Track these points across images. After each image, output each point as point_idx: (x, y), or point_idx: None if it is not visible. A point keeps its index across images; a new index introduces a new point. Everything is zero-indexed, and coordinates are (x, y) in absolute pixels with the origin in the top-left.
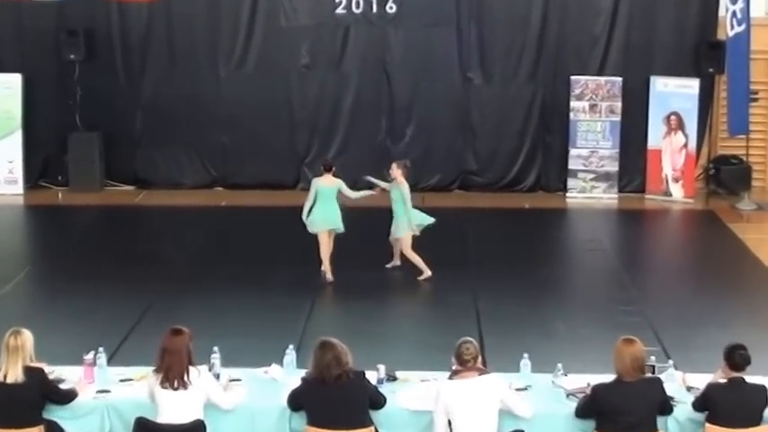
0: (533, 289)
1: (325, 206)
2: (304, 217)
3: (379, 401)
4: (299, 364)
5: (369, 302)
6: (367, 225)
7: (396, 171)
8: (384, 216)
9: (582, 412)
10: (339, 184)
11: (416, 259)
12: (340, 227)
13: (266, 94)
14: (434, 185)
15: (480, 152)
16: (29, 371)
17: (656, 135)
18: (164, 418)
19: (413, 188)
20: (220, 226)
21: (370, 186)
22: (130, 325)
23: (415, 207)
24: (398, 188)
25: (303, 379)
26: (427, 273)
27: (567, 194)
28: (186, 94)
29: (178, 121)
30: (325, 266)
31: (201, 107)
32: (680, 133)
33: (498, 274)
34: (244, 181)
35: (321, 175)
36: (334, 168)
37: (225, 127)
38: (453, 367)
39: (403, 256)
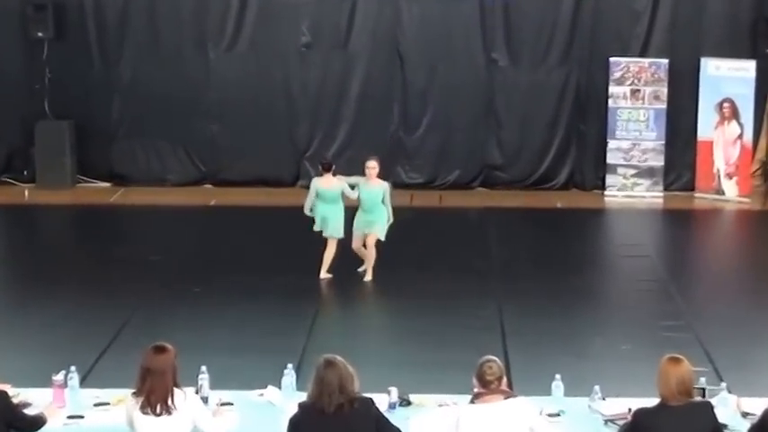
0: (566, 300)
1: (326, 209)
2: (306, 211)
3: None
4: (300, 386)
5: (379, 315)
6: None
7: (375, 169)
8: (392, 212)
9: None
10: (341, 186)
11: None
12: (335, 234)
13: (261, 77)
14: (453, 182)
15: (506, 144)
16: None
17: (706, 125)
18: None
19: (430, 185)
20: (210, 228)
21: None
22: (107, 341)
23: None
24: (379, 186)
25: (300, 405)
26: (368, 266)
27: (606, 193)
28: (170, 77)
29: (161, 108)
30: (323, 266)
31: (188, 93)
32: (734, 123)
33: (526, 283)
34: (236, 177)
35: (321, 175)
36: (333, 167)
37: (214, 115)
38: (475, 389)
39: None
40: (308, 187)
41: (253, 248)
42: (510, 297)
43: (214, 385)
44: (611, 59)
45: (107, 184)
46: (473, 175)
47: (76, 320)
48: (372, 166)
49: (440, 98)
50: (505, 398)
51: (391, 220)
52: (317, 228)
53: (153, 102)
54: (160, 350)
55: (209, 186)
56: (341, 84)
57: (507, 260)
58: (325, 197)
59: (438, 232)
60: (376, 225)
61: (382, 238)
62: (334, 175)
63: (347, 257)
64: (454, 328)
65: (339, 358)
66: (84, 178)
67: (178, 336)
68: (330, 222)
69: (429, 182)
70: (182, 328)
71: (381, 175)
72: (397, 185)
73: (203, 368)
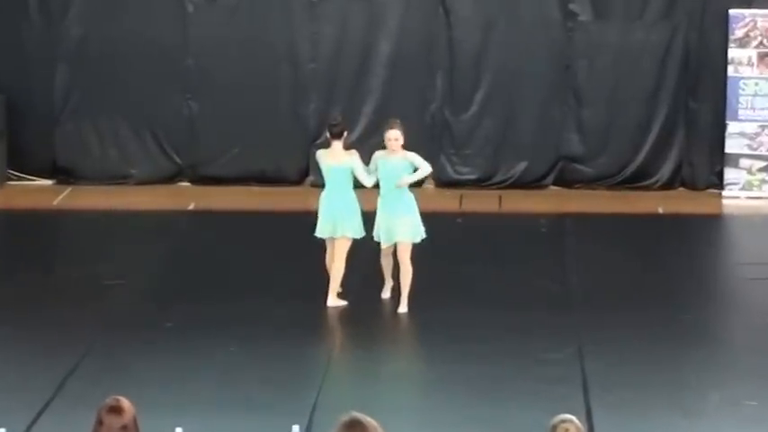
0: (670, 340)
1: (334, 198)
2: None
3: None
4: None
5: (416, 360)
6: None
7: (399, 141)
8: (436, 219)
9: None
10: (352, 162)
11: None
12: (349, 232)
13: (256, 37)
14: (518, 179)
15: (588, 128)
16: None
17: None
18: None
19: (486, 183)
20: (187, 240)
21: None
22: (47, 394)
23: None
24: (403, 158)
25: None
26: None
27: (724, 193)
28: (133, 37)
29: (121, 78)
30: (331, 288)
31: (157, 58)
32: None
33: (616, 316)
34: (222, 172)
35: (328, 145)
36: (346, 133)
37: (193, 88)
38: None
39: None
40: (320, 186)
41: (245, 268)
42: (594, 335)
43: None
44: (732, 12)
45: (48, 182)
46: (544, 169)
47: (7, 367)
48: (395, 137)
49: (499, 65)
50: None
51: (427, 169)
52: (322, 233)
53: (110, 70)
54: (115, 410)
55: (187, 184)
56: (365, 46)
57: (590, 285)
58: (334, 178)
59: (496, 246)
60: (405, 224)
61: (408, 239)
62: (347, 148)
63: (369, 270)
64: (518, 377)
65: (369, 419)
66: (18, 174)
67: (144, 388)
68: (341, 219)
69: (485, 178)
70: (149, 376)
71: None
72: (441, 183)
73: (179, 430)
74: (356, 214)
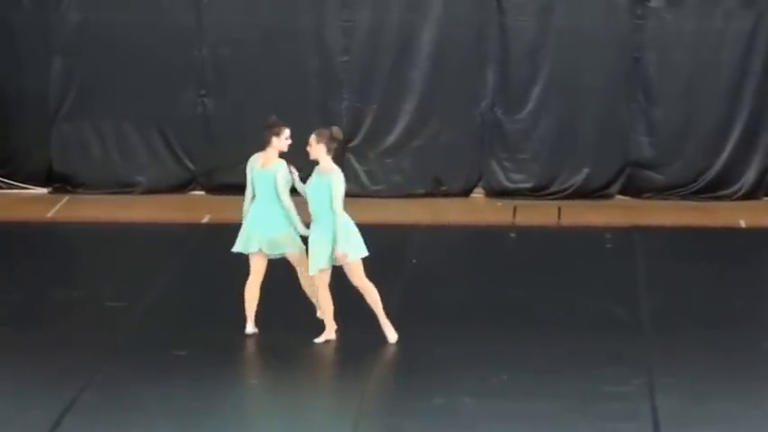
0: (754, 371)
1: (261, 208)
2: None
3: None
4: None
5: (461, 391)
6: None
7: (311, 147)
8: (486, 233)
9: None
10: (276, 168)
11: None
12: (293, 248)
13: (281, 25)
14: (580, 187)
15: (660, 129)
16: None
17: None
18: None
19: (543, 192)
20: (200, 257)
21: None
22: None
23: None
24: (326, 176)
25: None
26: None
27: None
28: (139, 24)
29: (125, 72)
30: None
31: (167, 48)
32: None
33: (691, 343)
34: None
35: (264, 147)
36: (280, 130)
37: (209, 83)
38: None
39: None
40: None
41: (267, 289)
42: (667, 365)
43: None
44: None
45: (43, 191)
46: (610, 176)
47: None
48: (308, 141)
49: (558, 57)
50: None
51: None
52: (242, 247)
53: (113, 62)
54: None
55: (201, 194)
56: (404, 34)
57: (663, 308)
58: (259, 186)
59: (555, 264)
60: (322, 246)
61: (323, 266)
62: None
63: (408, 289)
64: (579, 414)
65: None
66: (9, 181)
67: (151, 427)
68: (270, 233)
69: (541, 187)
70: (157, 413)
71: (466, 175)
72: (493, 192)
73: None
74: (290, 228)
